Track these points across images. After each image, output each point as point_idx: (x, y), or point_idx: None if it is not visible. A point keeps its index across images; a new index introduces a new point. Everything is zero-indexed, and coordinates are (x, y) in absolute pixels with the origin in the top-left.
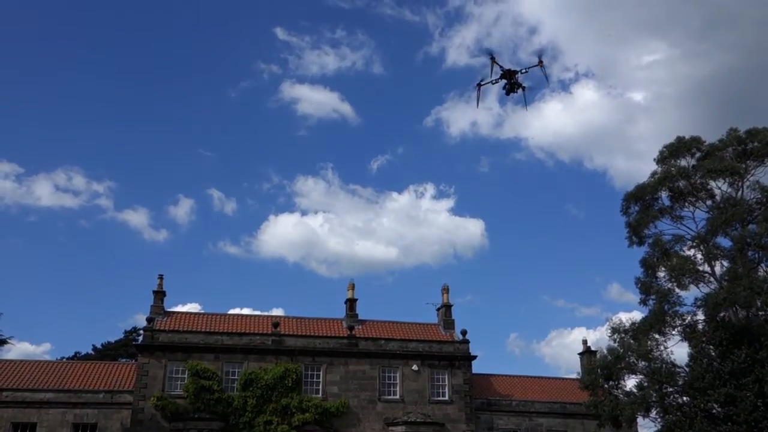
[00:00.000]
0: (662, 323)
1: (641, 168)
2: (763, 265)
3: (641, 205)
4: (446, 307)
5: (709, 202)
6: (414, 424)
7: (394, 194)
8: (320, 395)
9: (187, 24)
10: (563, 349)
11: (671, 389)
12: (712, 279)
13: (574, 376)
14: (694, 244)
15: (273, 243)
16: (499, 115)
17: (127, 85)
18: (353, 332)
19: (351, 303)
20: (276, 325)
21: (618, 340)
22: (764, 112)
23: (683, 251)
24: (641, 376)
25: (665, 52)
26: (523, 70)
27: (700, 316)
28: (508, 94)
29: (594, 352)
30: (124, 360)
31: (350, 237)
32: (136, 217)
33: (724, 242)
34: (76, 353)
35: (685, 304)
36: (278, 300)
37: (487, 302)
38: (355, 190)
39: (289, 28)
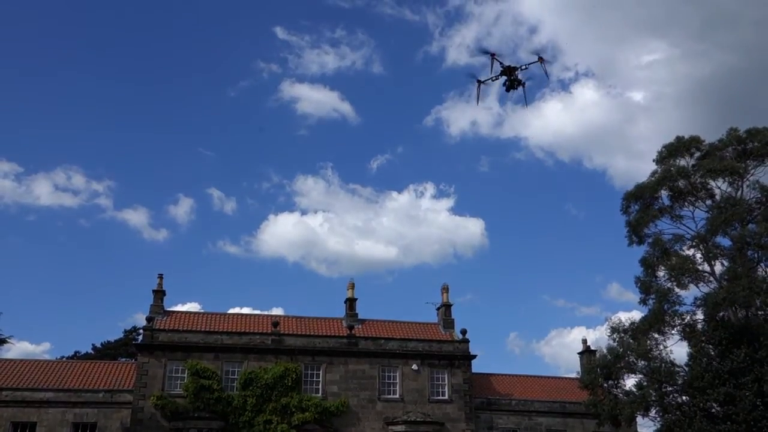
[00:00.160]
0: (662, 323)
1: (641, 168)
2: (762, 264)
3: (641, 204)
4: (446, 307)
5: (708, 202)
6: (414, 423)
7: (394, 194)
8: (320, 394)
9: (187, 23)
10: (563, 349)
11: (670, 388)
12: (711, 278)
13: (573, 375)
14: (694, 243)
15: (273, 242)
16: (499, 115)
17: (127, 84)
18: (353, 332)
19: (351, 302)
20: (276, 324)
21: (617, 339)
22: (764, 111)
23: (683, 251)
24: (641, 376)
25: (665, 52)
26: (523, 67)
27: (700, 316)
28: (508, 90)
29: (593, 352)
30: (123, 359)
31: (350, 236)
32: (136, 217)
33: (724, 242)
34: (75, 353)
35: (684, 304)
36: (278, 299)
37: (487, 302)
38: (355, 189)
39: (289, 27)
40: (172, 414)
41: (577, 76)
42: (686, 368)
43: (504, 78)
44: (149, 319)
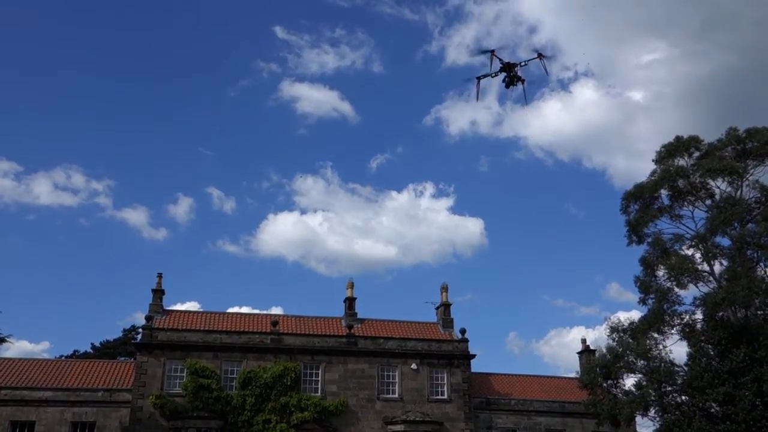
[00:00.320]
0: (661, 322)
1: (640, 167)
2: (762, 264)
3: (641, 204)
4: (445, 306)
5: (708, 202)
6: (413, 423)
7: (394, 193)
8: (319, 394)
9: (187, 23)
10: (562, 348)
11: (670, 388)
12: (711, 278)
13: (572, 375)
14: (694, 243)
15: (272, 242)
16: (498, 114)
17: (127, 84)
18: (352, 331)
19: (350, 302)
20: (275, 323)
21: (617, 339)
22: (763, 111)
23: (682, 250)
24: (640, 375)
25: (665, 52)
26: (523, 63)
27: (699, 316)
28: (507, 86)
29: (593, 351)
30: (122, 358)
31: (349, 236)
32: (136, 216)
33: (724, 241)
34: (74, 351)
35: (684, 303)
36: (277, 299)
37: (487, 301)
38: (355, 188)
39: (289, 26)
40: (171, 413)
41: (576, 75)
42: (685, 368)
43: (503, 74)
44: (148, 318)
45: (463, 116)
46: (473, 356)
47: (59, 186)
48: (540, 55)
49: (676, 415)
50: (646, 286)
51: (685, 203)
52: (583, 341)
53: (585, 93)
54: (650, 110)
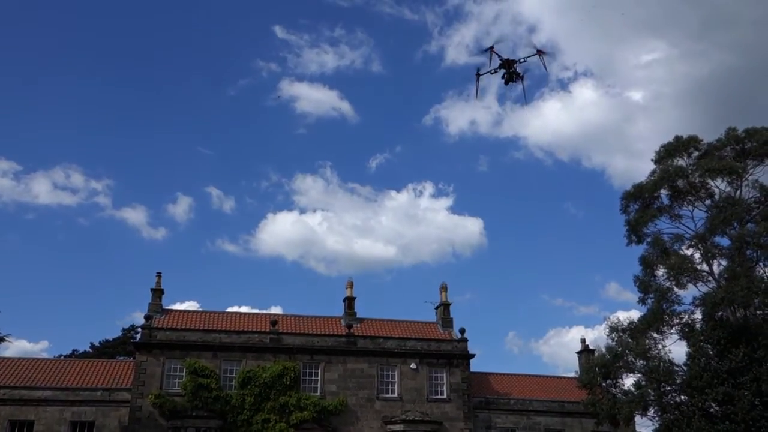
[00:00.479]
0: (660, 322)
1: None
2: (761, 264)
3: (640, 203)
4: (444, 306)
5: (708, 202)
6: (412, 422)
7: (393, 193)
8: (318, 393)
9: (186, 22)
10: (561, 348)
11: (669, 388)
12: (710, 278)
13: (572, 374)
14: (693, 243)
15: (271, 241)
16: (498, 114)
17: (126, 83)
18: (351, 330)
19: (349, 301)
20: (274, 323)
21: (616, 338)
22: (762, 111)
23: (682, 250)
24: (639, 375)
25: (664, 52)
26: (522, 60)
27: (698, 315)
28: (506, 83)
29: (592, 351)
30: (122, 358)
31: (349, 235)
32: (135, 215)
33: (723, 241)
34: (73, 351)
35: (683, 303)
36: (276, 298)
37: (486, 301)
38: (354, 188)
39: (288, 26)
40: (170, 412)
41: (576, 75)
42: (685, 368)
43: (503, 71)
44: (147, 318)
45: (463, 116)
46: (472, 356)
47: (58, 185)
48: (539, 52)
49: (675, 415)
50: (645, 285)
51: (685, 203)
52: (583, 341)
53: (584, 93)
54: (649, 110)
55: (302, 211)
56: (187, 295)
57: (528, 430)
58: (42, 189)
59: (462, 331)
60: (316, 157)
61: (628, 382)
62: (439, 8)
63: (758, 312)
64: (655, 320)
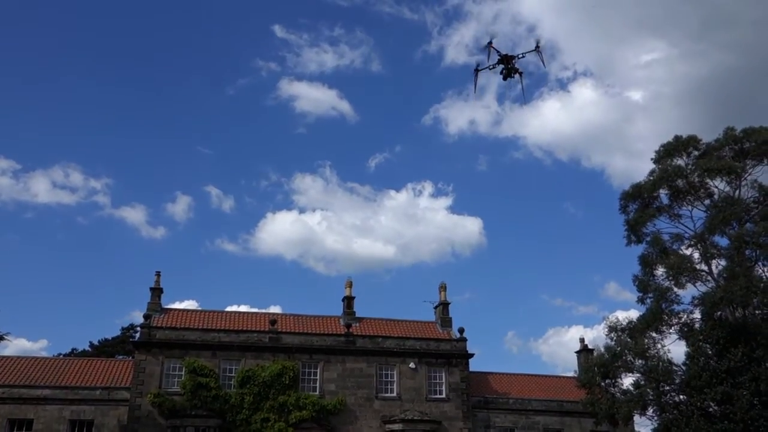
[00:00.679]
0: (659, 321)
1: (639, 167)
2: (760, 263)
3: (639, 203)
4: (443, 305)
5: (707, 201)
6: (411, 422)
7: (392, 192)
8: (317, 393)
9: (186, 21)
10: (560, 348)
11: (668, 388)
12: (709, 278)
13: (571, 374)
14: (692, 242)
15: (271, 241)
16: (497, 114)
17: (125, 82)
18: (350, 330)
19: (348, 301)
20: (273, 322)
21: (615, 338)
22: (762, 111)
23: (681, 250)
24: (638, 375)
25: (663, 52)
26: (521, 55)
27: (697, 315)
28: (505, 79)
29: (591, 351)
30: (121, 357)
31: (348, 235)
32: (134, 214)
33: (722, 241)
34: (73, 350)
35: (682, 303)
36: (276, 297)
37: (485, 300)
38: (353, 188)
39: (288, 25)
40: (169, 411)
41: (575, 75)
42: (684, 367)
43: (501, 66)
44: (147, 317)
45: (462, 115)
46: (471, 355)
47: (57, 184)
48: (538, 46)
49: (674, 415)
50: (644, 285)
51: (684, 203)
52: (582, 340)
53: (584, 93)
54: (649, 110)
55: (301, 211)
56: (187, 294)
57: (527, 430)
58: (41, 188)
59: (461, 330)
60: (315, 156)
61: (627, 381)
62: (439, 8)
63: (757, 312)
64: (654, 320)
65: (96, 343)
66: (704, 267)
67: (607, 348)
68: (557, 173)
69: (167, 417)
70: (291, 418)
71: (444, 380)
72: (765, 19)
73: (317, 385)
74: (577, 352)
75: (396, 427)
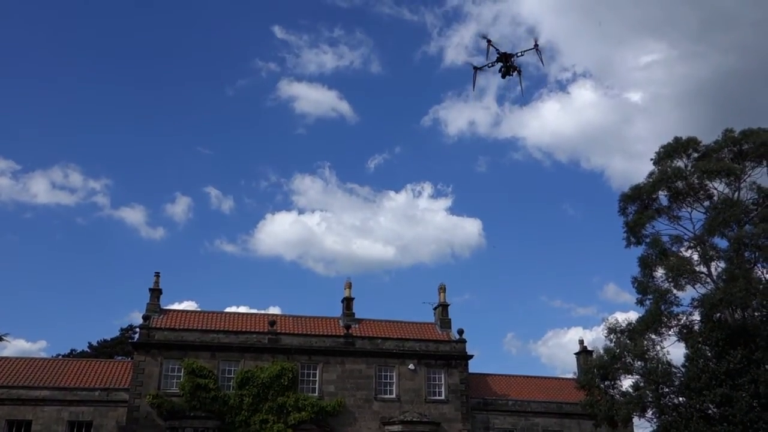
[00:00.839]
0: (658, 323)
1: (639, 168)
2: (759, 265)
3: (639, 205)
4: (443, 307)
5: (706, 203)
6: (410, 423)
7: (392, 193)
8: (316, 394)
9: (185, 22)
10: (560, 349)
11: (667, 389)
12: (708, 279)
13: (570, 376)
14: (692, 244)
15: (270, 241)
16: (496, 115)
17: (125, 83)
18: (350, 331)
19: (348, 302)
20: (272, 323)
21: (614, 340)
22: (761, 112)
23: (681, 251)
24: (637, 377)
25: (663, 53)
26: (520, 53)
27: (697, 317)
28: (504, 77)
29: (590, 352)
30: (119, 358)
31: (347, 236)
32: (133, 215)
33: (721, 243)
34: (71, 351)
35: (681, 305)
36: (275, 298)
37: (484, 302)
38: (353, 188)
39: (287, 26)
40: (168, 413)
41: (574, 76)
42: (683, 369)
43: (500, 64)
44: (146, 318)
45: (462, 117)
46: (471, 357)
47: (57, 185)
48: (536, 44)
49: (673, 417)
50: (643, 286)
51: (684, 204)
52: (581, 342)
53: (583, 94)
54: (648, 111)
55: (301, 212)
56: (186, 295)
57: (526, 431)
58: (40, 188)
59: (460, 332)
60: (314, 157)
61: (627, 383)
62: (438, 9)
63: (756, 313)
64: (653, 321)
65: (95, 344)
66: (703, 269)
67: (607, 350)
68: (557, 174)
69: (166, 418)
70: (290, 419)
71: (443, 382)
72: (764, 20)
73: (316, 386)
74: (576, 354)
75: (395, 428)
